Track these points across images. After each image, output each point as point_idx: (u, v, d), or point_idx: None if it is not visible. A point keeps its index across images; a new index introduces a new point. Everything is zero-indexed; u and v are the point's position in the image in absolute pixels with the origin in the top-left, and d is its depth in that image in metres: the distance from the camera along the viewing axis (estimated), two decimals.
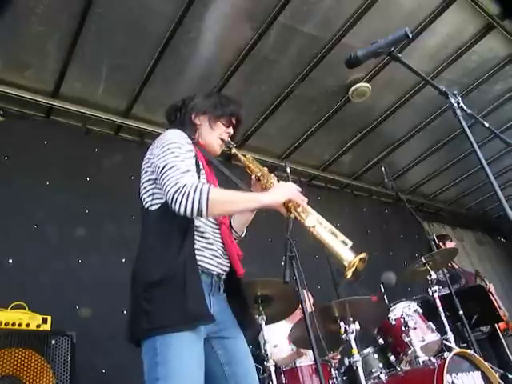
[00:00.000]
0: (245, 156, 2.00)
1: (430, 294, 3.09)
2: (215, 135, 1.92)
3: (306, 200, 1.78)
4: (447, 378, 2.39)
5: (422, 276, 3.18)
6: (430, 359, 2.67)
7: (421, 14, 3.56)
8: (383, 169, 3.60)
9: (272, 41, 3.53)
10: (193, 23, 3.27)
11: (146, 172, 1.76)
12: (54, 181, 3.40)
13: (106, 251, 3.37)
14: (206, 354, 1.59)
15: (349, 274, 1.59)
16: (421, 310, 3.05)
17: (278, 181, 1.87)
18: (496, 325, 4.00)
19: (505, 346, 3.94)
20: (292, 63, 3.80)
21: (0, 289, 2.74)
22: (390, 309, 2.98)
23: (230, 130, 1.97)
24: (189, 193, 1.56)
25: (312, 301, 2.96)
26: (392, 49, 1.56)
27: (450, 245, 4.65)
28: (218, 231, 1.77)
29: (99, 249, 3.35)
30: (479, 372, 2.58)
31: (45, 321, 2.53)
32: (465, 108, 1.52)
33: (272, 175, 1.90)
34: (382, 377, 2.76)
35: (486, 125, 1.59)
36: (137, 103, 3.83)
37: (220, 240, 1.77)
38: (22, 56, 3.28)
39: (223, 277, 1.76)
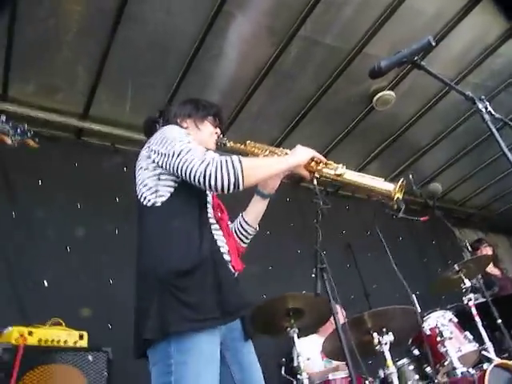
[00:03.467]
0: (244, 144, 1.91)
1: (465, 302, 3.00)
2: (206, 133, 1.86)
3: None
4: None
5: (455, 284, 3.09)
6: (468, 370, 2.58)
7: (443, 19, 3.54)
8: (410, 176, 3.54)
9: (294, 54, 3.57)
10: (215, 41, 3.34)
11: (147, 169, 1.64)
12: (84, 203, 3.47)
13: None
14: (221, 372, 1.47)
15: (397, 195, 1.70)
16: (456, 320, 2.96)
17: None
18: None
19: None
20: (314, 75, 3.82)
21: (37, 306, 2.84)
22: (424, 318, 2.91)
23: (218, 131, 1.91)
24: (221, 165, 1.48)
25: (344, 314, 2.92)
26: (415, 58, 1.56)
27: (485, 250, 4.52)
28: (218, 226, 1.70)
29: (132, 268, 3.40)
30: None
31: (81, 337, 2.58)
32: (493, 112, 1.49)
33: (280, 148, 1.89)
34: None
35: None
36: None
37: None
38: (53, 81, 3.41)
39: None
